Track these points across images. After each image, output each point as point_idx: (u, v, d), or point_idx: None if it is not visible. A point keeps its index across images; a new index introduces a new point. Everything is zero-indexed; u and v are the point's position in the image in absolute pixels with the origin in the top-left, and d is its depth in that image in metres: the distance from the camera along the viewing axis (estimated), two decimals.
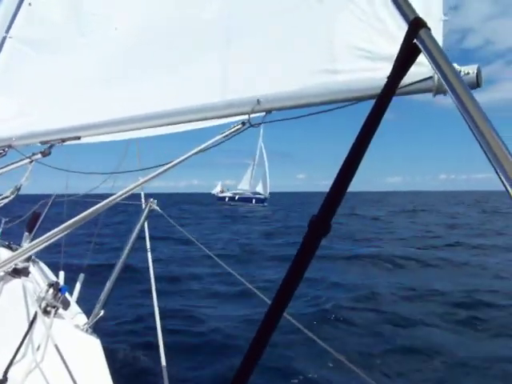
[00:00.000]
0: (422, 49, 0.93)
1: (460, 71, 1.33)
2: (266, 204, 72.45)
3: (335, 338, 6.68)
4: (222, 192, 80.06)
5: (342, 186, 0.97)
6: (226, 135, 2.01)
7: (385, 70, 1.49)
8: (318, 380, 5.25)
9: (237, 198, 75.15)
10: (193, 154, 1.99)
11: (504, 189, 0.72)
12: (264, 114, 1.88)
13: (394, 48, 1.38)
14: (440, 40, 1.43)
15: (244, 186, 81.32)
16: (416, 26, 0.96)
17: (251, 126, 1.90)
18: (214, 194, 78.69)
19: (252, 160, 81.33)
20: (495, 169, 0.73)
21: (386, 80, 0.99)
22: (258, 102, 1.84)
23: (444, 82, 0.85)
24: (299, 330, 2.24)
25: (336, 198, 0.98)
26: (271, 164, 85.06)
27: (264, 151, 78.66)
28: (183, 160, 1.98)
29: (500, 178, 0.72)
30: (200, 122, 2.11)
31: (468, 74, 1.31)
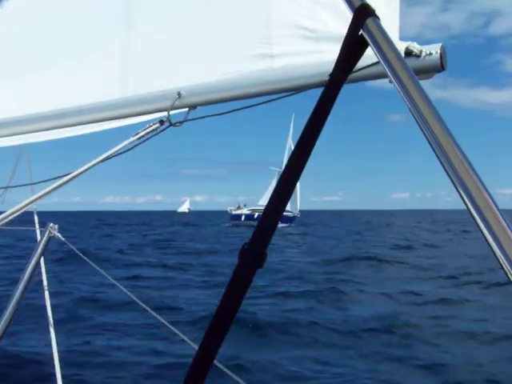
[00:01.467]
0: (368, 41, 0.87)
1: (421, 53, 1.19)
2: (293, 224, 54.67)
3: None
4: (238, 209, 61.79)
5: (280, 202, 0.87)
6: (141, 137, 1.72)
7: (333, 52, 1.15)
8: None
9: (256, 215, 57.05)
10: (98, 162, 1.69)
11: (451, 181, 0.71)
12: (187, 109, 1.64)
13: (343, 26, 1.03)
14: (396, 28, 1.30)
15: (265, 202, 63.07)
16: (362, 14, 0.89)
17: (172, 125, 1.67)
18: (228, 212, 61.53)
19: (279, 167, 63.16)
20: (439, 158, 0.72)
21: (333, 65, 0.91)
22: (179, 95, 1.59)
23: (391, 76, 0.81)
24: None
25: (273, 219, 0.88)
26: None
27: (291, 143, 60.55)
28: (86, 170, 1.68)
29: (444, 168, 0.71)
30: (106, 122, 1.81)
31: (430, 54, 1.17)
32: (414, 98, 0.75)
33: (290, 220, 58.67)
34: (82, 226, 61.19)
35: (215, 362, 0.90)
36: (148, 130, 1.70)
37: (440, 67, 1.16)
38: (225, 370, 1.95)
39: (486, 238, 0.64)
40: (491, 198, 0.67)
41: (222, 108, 1.63)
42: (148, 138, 1.73)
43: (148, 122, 1.73)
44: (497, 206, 0.66)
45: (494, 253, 0.63)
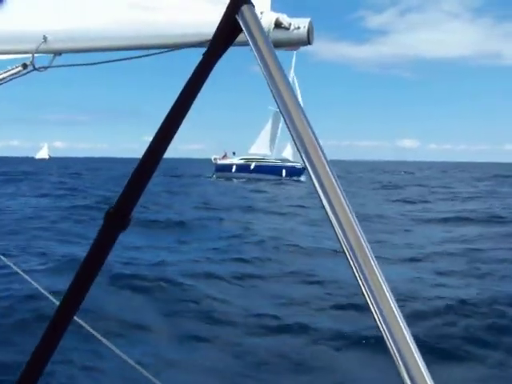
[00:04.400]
0: (243, 28, 0.93)
1: (290, 25, 1.21)
2: (303, 178, 43.73)
3: None
4: (224, 158, 47.28)
5: (152, 162, 0.88)
6: (1, 79, 1.66)
7: (215, 13, 1.07)
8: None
9: (253, 166, 42.80)
10: None
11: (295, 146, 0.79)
12: (53, 55, 1.54)
13: None
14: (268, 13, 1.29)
15: (261, 150, 47.98)
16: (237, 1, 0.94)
17: (35, 69, 1.56)
18: (212, 161, 46.91)
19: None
20: (292, 136, 0.78)
21: (214, 25, 0.97)
22: (45, 39, 1.48)
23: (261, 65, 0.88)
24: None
25: (140, 182, 0.88)
26: None
27: (298, 90, 46.22)
28: None
29: (296, 145, 0.78)
30: None
31: (298, 28, 1.20)
32: (274, 77, 0.85)
33: (298, 172, 45.56)
34: None
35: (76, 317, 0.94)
36: (9, 73, 1.65)
37: (306, 41, 1.18)
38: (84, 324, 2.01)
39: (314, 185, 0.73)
40: (328, 164, 0.75)
41: (93, 57, 1.50)
42: (8, 81, 1.67)
43: (8, 63, 1.64)
44: (332, 172, 0.74)
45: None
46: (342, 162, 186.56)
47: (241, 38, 0.99)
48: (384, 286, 0.66)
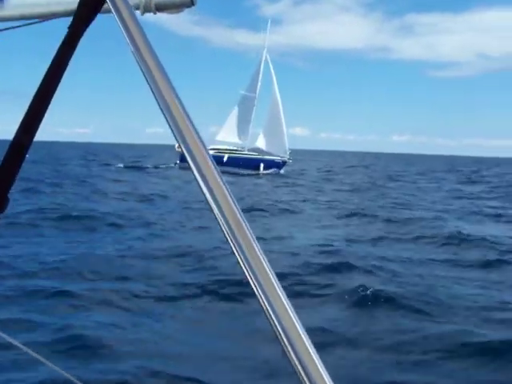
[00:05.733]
0: None
1: None
2: (282, 171, 38.88)
3: None
4: None
5: (26, 139, 0.84)
6: None
7: None
8: None
9: (226, 158, 39.17)
10: None
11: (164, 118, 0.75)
12: None
13: None
14: None
15: (229, 137, 44.23)
16: None
17: None
18: (176, 150, 42.44)
19: (251, 91, 44.85)
20: (159, 105, 0.75)
21: None
22: None
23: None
24: None
25: (17, 158, 0.84)
26: None
27: (273, 72, 43.19)
28: None
29: (165, 118, 0.74)
30: None
31: None
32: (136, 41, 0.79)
33: (278, 165, 41.88)
34: None
35: None
36: None
37: (190, 3, 1.06)
38: None
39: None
40: (201, 140, 0.72)
41: None
42: None
43: None
44: (205, 149, 0.72)
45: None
46: None
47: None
48: (268, 270, 0.66)
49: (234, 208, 0.69)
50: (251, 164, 41.69)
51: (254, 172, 40.60)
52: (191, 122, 0.73)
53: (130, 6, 0.83)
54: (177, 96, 0.75)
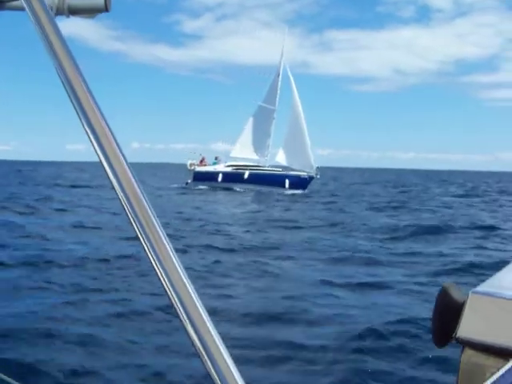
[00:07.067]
0: None
1: None
2: (306, 190, 35.21)
3: None
4: (202, 163, 38.97)
5: None
6: None
7: None
8: None
9: (247, 175, 35.42)
10: None
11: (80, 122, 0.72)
12: None
13: None
14: None
15: (244, 153, 40.63)
16: None
17: None
18: (188, 168, 38.54)
19: (270, 103, 41.60)
20: (75, 108, 0.71)
21: None
22: None
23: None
24: None
25: None
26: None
27: (294, 84, 40.07)
28: None
29: (80, 119, 0.70)
30: None
31: None
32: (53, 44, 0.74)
33: (303, 183, 38.23)
34: None
35: None
36: None
37: (104, 8, 1.06)
38: None
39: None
40: (118, 147, 0.69)
41: None
42: None
43: None
44: (125, 160, 0.69)
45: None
46: (158, 165, 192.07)
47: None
48: (181, 274, 0.67)
49: (153, 219, 0.69)
50: (276, 181, 38.06)
51: (279, 189, 36.99)
52: (111, 132, 0.70)
53: (44, 4, 0.76)
54: (96, 104, 0.71)
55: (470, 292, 0.98)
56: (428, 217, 22.67)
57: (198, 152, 41.46)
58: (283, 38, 43.30)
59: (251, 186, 37.14)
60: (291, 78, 40.75)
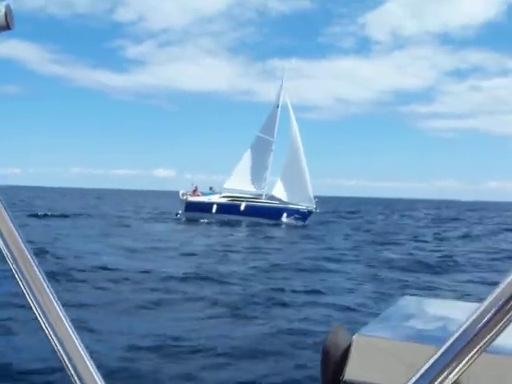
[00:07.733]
0: None
1: None
2: (306, 222, 37.88)
3: None
4: (195, 193, 36.98)
5: None
6: None
7: None
8: None
9: (243, 207, 33.54)
10: None
11: None
12: None
13: None
14: None
15: (240, 185, 38.75)
16: None
17: None
18: (180, 198, 36.56)
19: (268, 134, 39.97)
20: None
21: None
22: None
23: None
24: None
25: None
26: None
27: (292, 114, 38.74)
28: None
29: None
30: None
31: None
32: None
33: (303, 216, 36.48)
34: None
35: None
36: None
37: (5, 26, 0.93)
38: None
39: None
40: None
41: None
42: None
43: None
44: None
45: None
46: (97, 191, 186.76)
47: None
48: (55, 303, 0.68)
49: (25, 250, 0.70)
50: (273, 213, 36.24)
51: (275, 222, 35.16)
52: None
53: None
54: None
55: (355, 334, 1.02)
56: None
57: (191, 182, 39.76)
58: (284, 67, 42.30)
59: (248, 218, 35.27)
60: (291, 111, 39.58)
